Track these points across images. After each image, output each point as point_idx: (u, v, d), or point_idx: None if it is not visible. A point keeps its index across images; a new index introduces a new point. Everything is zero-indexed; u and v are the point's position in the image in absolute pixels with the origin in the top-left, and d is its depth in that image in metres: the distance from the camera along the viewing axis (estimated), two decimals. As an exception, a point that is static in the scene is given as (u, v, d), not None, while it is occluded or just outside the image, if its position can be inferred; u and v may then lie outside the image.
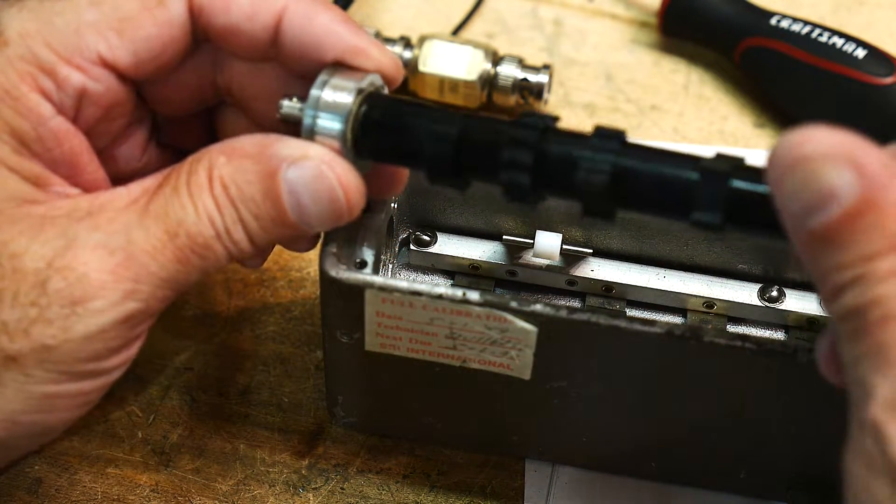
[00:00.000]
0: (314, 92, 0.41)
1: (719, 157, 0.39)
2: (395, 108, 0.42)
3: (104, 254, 0.40)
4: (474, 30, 0.69)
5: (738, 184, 0.37)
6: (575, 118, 0.66)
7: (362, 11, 0.70)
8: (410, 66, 0.64)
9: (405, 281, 0.43)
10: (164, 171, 0.42)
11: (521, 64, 0.63)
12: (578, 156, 0.39)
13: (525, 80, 0.63)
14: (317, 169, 0.41)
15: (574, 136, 0.40)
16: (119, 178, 0.45)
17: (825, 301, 0.34)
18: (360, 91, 0.42)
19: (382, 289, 0.43)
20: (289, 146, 0.41)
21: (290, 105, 0.42)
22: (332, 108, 0.41)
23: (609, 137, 0.39)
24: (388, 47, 0.64)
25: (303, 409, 0.54)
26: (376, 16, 0.70)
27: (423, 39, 0.64)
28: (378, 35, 0.65)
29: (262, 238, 0.42)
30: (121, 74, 0.43)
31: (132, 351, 0.43)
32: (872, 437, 0.31)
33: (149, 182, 0.42)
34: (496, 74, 0.63)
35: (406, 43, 0.65)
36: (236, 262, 0.45)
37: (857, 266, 0.32)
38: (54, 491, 0.50)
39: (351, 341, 0.45)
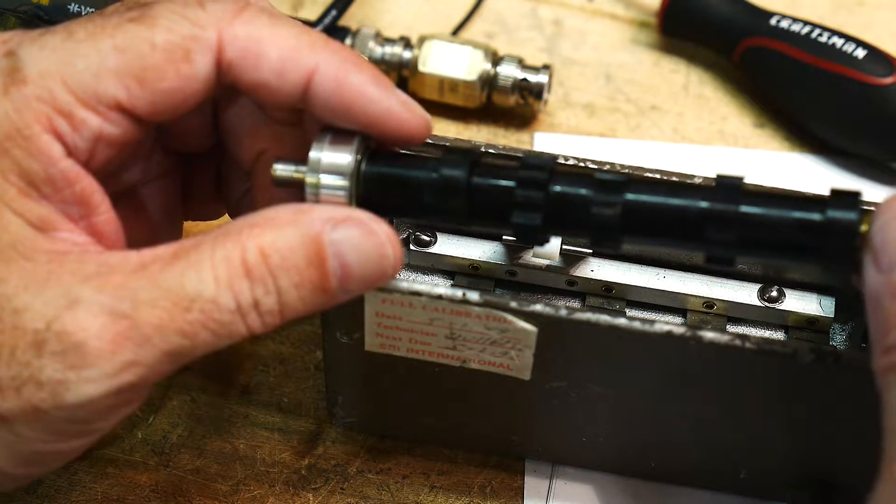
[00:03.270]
0: (314, 155, 0.41)
1: (720, 180, 0.40)
2: (397, 162, 0.42)
3: (106, 320, 0.38)
4: (474, 30, 0.69)
5: (747, 209, 0.39)
6: (575, 118, 0.66)
7: (362, 11, 0.70)
8: (410, 66, 0.64)
9: (405, 281, 0.43)
10: (178, 242, 0.40)
11: (521, 64, 0.63)
12: (588, 195, 0.40)
13: (525, 80, 0.63)
14: (366, 227, 0.40)
15: (579, 175, 0.41)
16: (123, 189, 0.45)
17: (877, 355, 0.36)
18: (359, 149, 0.42)
19: (382, 289, 0.43)
20: (328, 209, 0.40)
21: (284, 168, 0.42)
22: (334, 168, 0.41)
23: (617, 174, 0.41)
24: (388, 47, 0.64)
25: (303, 409, 0.54)
26: (376, 16, 0.70)
27: (422, 39, 0.64)
28: (378, 35, 0.65)
29: (293, 310, 0.40)
30: (137, 118, 0.41)
31: (127, 411, 0.41)
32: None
33: (161, 250, 0.40)
34: (496, 74, 0.63)
35: (406, 43, 0.65)
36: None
37: None
38: (54, 491, 0.50)
39: (351, 342, 0.45)
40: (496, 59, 0.64)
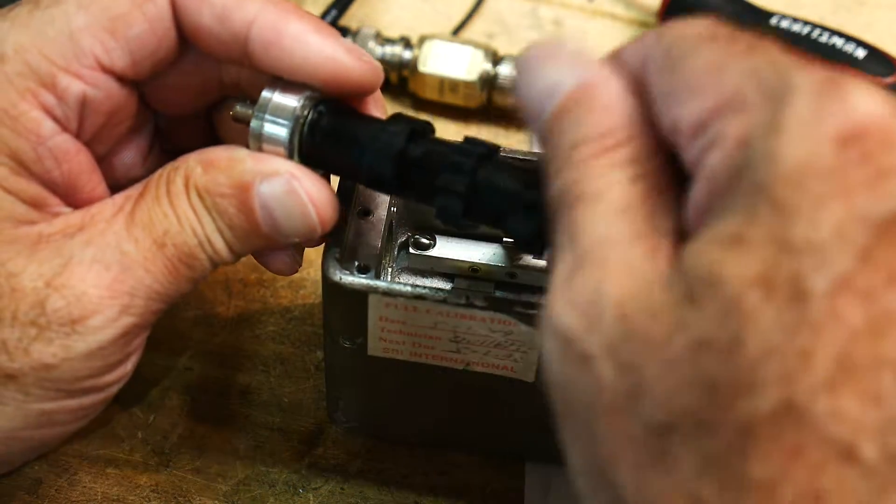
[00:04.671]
0: (265, 94, 0.42)
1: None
2: (342, 117, 0.42)
3: (100, 269, 0.40)
4: (474, 30, 0.69)
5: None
6: (575, 118, 0.66)
7: (362, 11, 0.70)
8: (410, 66, 0.64)
9: (408, 285, 0.43)
10: (145, 180, 0.42)
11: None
12: (508, 188, 0.39)
13: (525, 80, 0.63)
14: (287, 185, 0.41)
15: (513, 168, 0.40)
16: (121, 187, 0.45)
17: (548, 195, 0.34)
18: (309, 97, 0.42)
19: (386, 293, 0.42)
20: (259, 161, 0.41)
21: (243, 108, 0.42)
22: (280, 113, 0.41)
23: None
24: (389, 47, 0.64)
25: (303, 409, 0.54)
26: (376, 16, 0.70)
27: (422, 39, 0.64)
28: (378, 35, 0.65)
29: (239, 248, 0.42)
30: (120, 77, 0.42)
31: (129, 366, 0.43)
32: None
33: (132, 190, 0.42)
34: (496, 74, 0.63)
35: (406, 43, 0.65)
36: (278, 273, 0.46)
37: (565, 154, 0.33)
38: (54, 491, 0.50)
39: (353, 346, 0.45)
40: (496, 59, 0.64)
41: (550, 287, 0.31)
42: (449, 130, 0.65)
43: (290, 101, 0.42)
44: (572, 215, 0.32)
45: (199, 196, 0.41)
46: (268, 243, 0.43)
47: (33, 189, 0.41)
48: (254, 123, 0.42)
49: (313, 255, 0.58)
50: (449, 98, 0.64)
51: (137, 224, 0.41)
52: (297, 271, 0.47)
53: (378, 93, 0.44)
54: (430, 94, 0.64)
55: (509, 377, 0.45)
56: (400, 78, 0.65)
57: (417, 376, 0.46)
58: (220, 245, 0.42)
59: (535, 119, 0.35)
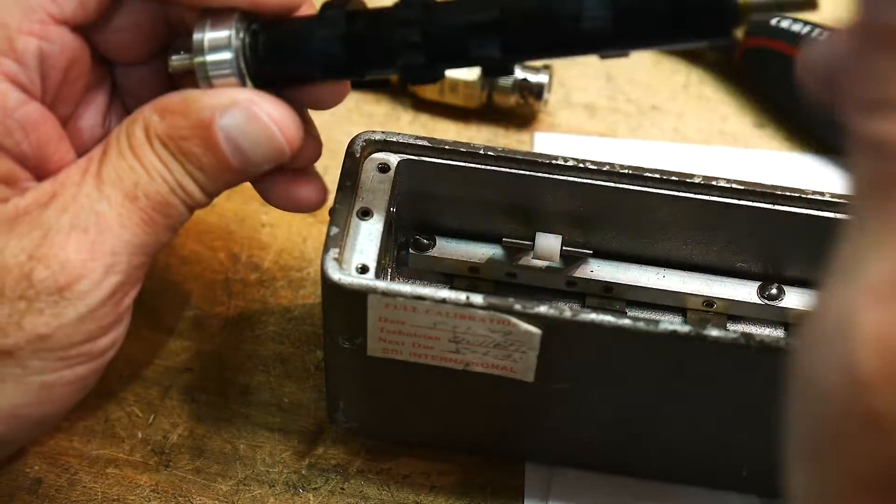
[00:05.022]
0: (196, 36, 0.42)
1: None
2: (279, 27, 0.42)
3: (79, 234, 0.40)
4: (474, 29, 0.69)
5: None
6: (575, 118, 0.66)
7: (362, 10, 0.70)
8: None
9: (407, 285, 0.43)
10: (106, 139, 0.42)
11: (521, 64, 0.63)
12: (461, 21, 0.40)
13: (525, 80, 0.63)
14: (248, 111, 0.41)
15: (452, 3, 0.40)
16: (87, 151, 0.45)
17: (852, 117, 0.28)
18: (239, 20, 0.42)
19: (385, 294, 0.42)
20: (215, 95, 0.41)
21: (179, 58, 0.43)
22: (217, 47, 0.41)
23: None
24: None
25: (303, 409, 0.54)
26: (376, 15, 0.70)
27: (423, 39, 0.64)
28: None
29: (212, 187, 0.42)
30: (71, 26, 0.42)
31: (122, 328, 0.43)
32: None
33: (95, 151, 0.42)
34: (496, 74, 0.63)
35: (406, 42, 0.65)
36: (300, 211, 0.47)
37: None
38: (54, 491, 0.50)
39: (353, 347, 0.45)
40: (496, 59, 0.64)
41: (841, 284, 0.24)
42: (449, 130, 0.65)
43: (223, 32, 0.41)
44: None
45: (162, 143, 0.41)
46: (239, 177, 0.43)
47: (5, 165, 0.41)
48: (197, 66, 0.42)
49: (313, 254, 0.58)
50: (449, 98, 0.64)
51: (106, 182, 0.41)
52: (325, 199, 0.46)
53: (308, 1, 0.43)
54: (430, 94, 0.64)
55: (508, 377, 0.45)
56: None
57: (417, 376, 0.46)
58: (192, 188, 0.42)
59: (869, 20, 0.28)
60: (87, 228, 0.40)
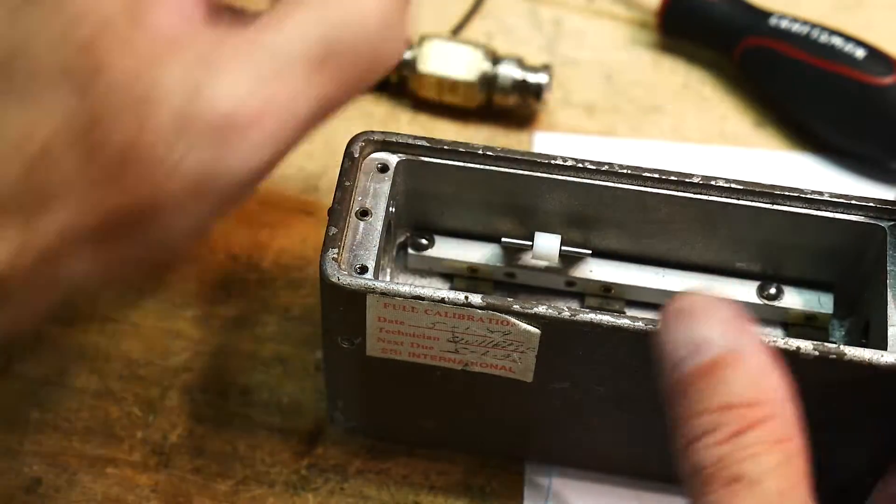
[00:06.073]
0: None
1: None
2: None
3: (252, 86, 0.35)
4: (474, 30, 0.69)
5: None
6: (575, 118, 0.66)
7: (362, 10, 0.70)
8: (410, 65, 0.64)
9: (406, 285, 0.43)
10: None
11: (521, 64, 0.63)
12: None
13: (525, 80, 0.63)
14: None
15: None
16: None
17: (680, 454, 0.35)
18: None
19: (384, 294, 0.42)
20: None
21: None
22: None
23: None
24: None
25: (303, 409, 0.54)
26: (376, 15, 0.70)
27: (422, 39, 0.64)
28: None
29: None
30: None
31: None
32: None
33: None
34: (496, 75, 0.63)
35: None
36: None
37: (712, 416, 0.34)
38: (53, 491, 0.50)
39: (352, 347, 0.45)
40: (496, 59, 0.64)
41: None
42: (449, 131, 0.65)
43: None
44: (727, 497, 0.32)
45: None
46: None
47: None
48: None
49: (313, 254, 0.58)
50: (448, 98, 0.64)
51: (289, 36, 0.36)
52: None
53: None
54: (430, 94, 0.64)
55: (508, 377, 0.45)
56: (399, 77, 0.65)
57: (416, 376, 0.46)
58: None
59: (671, 366, 0.36)
60: (264, 82, 0.35)
